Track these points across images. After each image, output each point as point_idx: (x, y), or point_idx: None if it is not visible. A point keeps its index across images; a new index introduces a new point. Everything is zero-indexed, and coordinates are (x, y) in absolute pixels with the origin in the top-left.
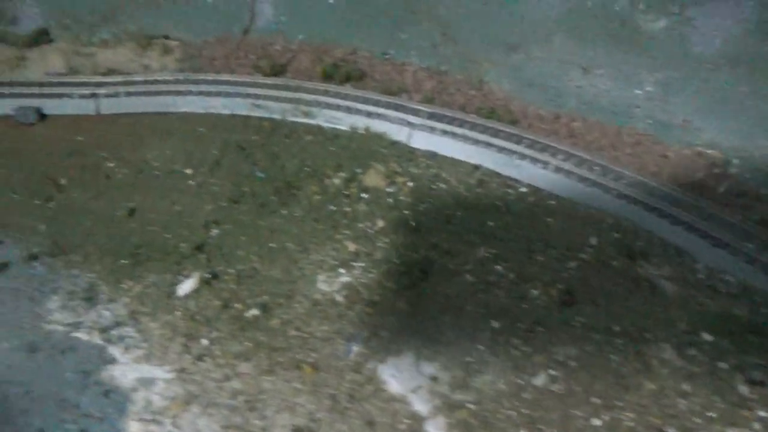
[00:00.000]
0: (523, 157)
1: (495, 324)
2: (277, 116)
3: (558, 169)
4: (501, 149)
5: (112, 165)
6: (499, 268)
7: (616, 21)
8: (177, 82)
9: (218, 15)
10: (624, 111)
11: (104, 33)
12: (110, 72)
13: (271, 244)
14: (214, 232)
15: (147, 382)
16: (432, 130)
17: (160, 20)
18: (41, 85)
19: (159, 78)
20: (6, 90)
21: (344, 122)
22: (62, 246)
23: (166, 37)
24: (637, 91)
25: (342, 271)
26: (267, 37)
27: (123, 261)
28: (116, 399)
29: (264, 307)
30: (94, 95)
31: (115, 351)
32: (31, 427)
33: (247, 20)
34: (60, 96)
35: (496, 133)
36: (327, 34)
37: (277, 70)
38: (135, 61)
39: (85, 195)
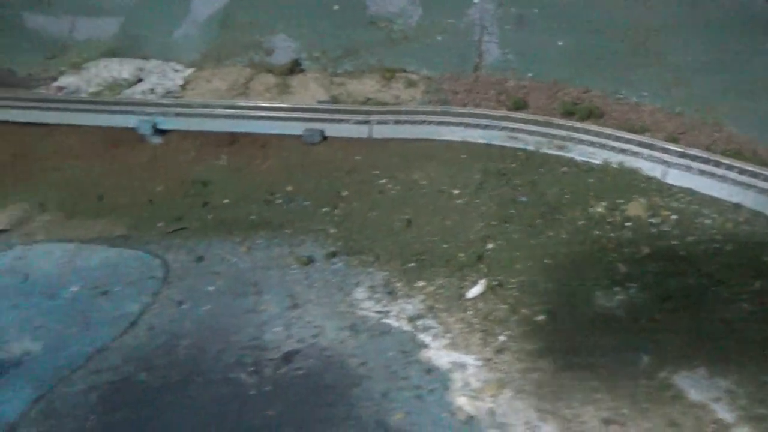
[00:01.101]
0: None
1: None
2: (531, 148)
3: None
4: (762, 190)
5: (384, 182)
6: None
7: None
8: (437, 113)
9: (448, 53)
10: None
11: (347, 65)
12: (368, 101)
13: (545, 261)
14: (490, 246)
15: (460, 366)
16: (688, 168)
17: (396, 55)
18: (320, 111)
19: (421, 109)
20: (294, 114)
21: (597, 157)
22: (352, 247)
23: (404, 71)
24: None
25: (617, 289)
26: (498, 73)
27: (410, 264)
28: (438, 377)
29: (549, 314)
30: (367, 122)
31: (424, 338)
32: (374, 390)
33: (476, 58)
34: (339, 121)
35: (755, 175)
36: (556, 73)
37: (520, 105)
38: (384, 92)
39: (363, 206)
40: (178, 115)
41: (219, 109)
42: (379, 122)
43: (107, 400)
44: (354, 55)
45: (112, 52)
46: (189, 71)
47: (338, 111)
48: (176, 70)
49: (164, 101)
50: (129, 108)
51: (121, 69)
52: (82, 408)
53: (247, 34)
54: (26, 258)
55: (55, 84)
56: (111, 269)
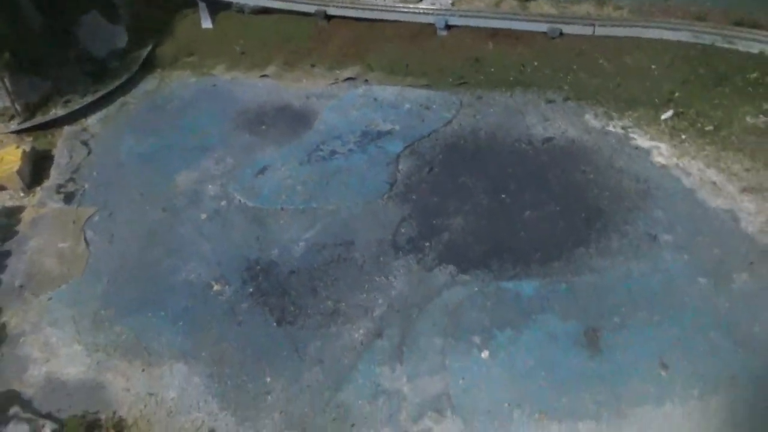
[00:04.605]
0: None
1: None
2: (707, 42)
3: None
4: None
5: (602, 62)
6: None
7: None
8: (640, 22)
9: None
10: None
11: None
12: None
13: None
14: (676, 94)
15: (656, 147)
16: None
17: None
18: (559, 17)
19: (628, 18)
20: (539, 17)
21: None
22: (580, 96)
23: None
24: None
25: None
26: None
27: (621, 104)
28: (642, 151)
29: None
30: (592, 25)
31: (632, 135)
32: (602, 156)
33: None
34: (573, 23)
35: None
36: None
37: (702, 18)
38: (599, 10)
39: (588, 75)
40: (461, 16)
41: (488, 14)
42: (600, 25)
43: (447, 150)
44: None
45: None
46: None
47: (570, 17)
48: None
49: (452, 8)
50: (429, 11)
51: None
52: (431, 152)
53: None
54: (371, 91)
55: None
56: (426, 98)
